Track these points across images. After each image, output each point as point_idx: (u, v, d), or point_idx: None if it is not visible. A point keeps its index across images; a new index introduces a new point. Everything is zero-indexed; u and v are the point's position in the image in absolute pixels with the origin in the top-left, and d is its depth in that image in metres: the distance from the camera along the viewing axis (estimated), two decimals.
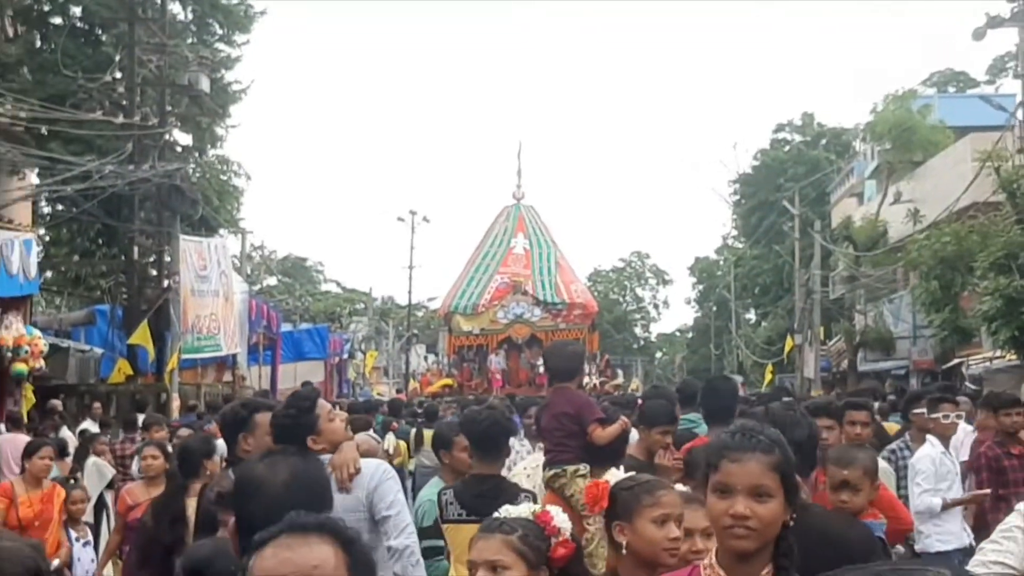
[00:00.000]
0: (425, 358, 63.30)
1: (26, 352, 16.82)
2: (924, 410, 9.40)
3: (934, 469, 8.61)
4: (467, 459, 6.72)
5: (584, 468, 6.38)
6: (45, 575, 3.37)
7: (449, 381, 36.31)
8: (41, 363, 17.52)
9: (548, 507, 3.67)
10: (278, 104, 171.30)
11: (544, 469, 6.67)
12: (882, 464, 7.36)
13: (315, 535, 2.26)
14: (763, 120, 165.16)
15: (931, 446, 8.87)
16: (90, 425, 17.41)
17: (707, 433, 7.72)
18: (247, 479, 3.98)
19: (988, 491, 8.85)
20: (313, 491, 3.86)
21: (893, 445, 10.14)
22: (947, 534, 8.54)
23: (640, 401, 8.35)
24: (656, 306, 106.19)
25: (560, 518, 3.63)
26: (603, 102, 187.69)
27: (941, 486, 8.63)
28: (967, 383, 27.64)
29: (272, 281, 63.50)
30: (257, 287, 47.04)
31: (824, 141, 63.74)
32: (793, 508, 3.09)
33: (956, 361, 28.82)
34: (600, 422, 6.35)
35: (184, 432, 10.98)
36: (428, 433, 13.77)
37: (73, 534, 9.22)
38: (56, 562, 8.39)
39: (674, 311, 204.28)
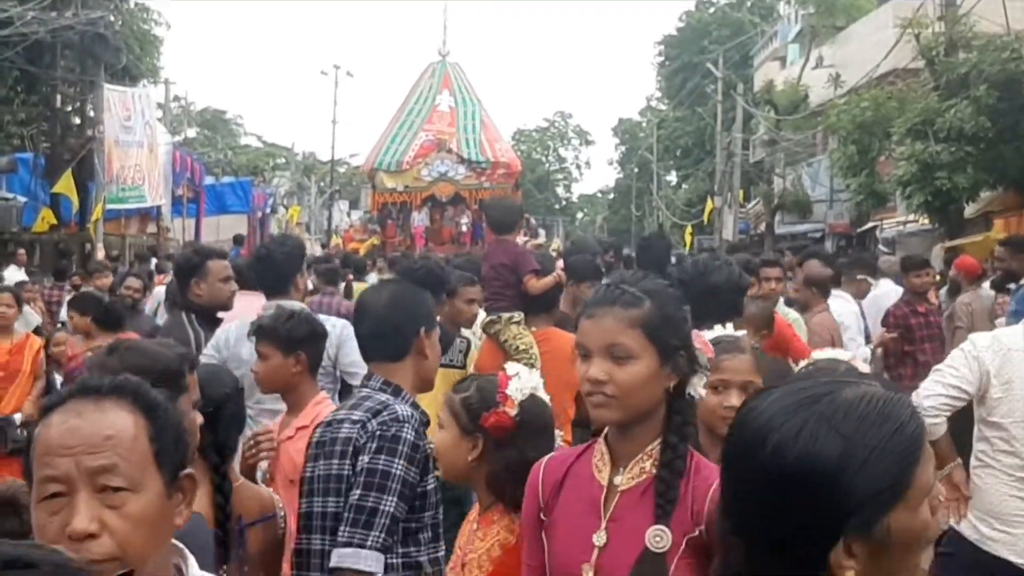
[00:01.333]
0: (348, 214, 63.20)
1: None
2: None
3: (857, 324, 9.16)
4: (468, 309, 6.91)
5: (518, 316, 6.62)
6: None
7: (375, 241, 36.43)
8: None
9: (518, 371, 3.39)
10: None
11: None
12: (793, 314, 7.83)
13: (110, 398, 1.91)
14: None
15: (848, 302, 9.40)
16: (13, 272, 17.38)
17: None
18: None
19: (895, 334, 9.42)
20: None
21: None
22: None
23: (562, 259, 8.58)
24: (579, 167, 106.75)
25: (518, 384, 3.30)
26: None
27: (859, 338, 9.19)
28: (880, 246, 28.47)
29: (192, 133, 62.65)
30: (178, 138, 46.50)
31: (749, 3, 63.74)
32: (679, 371, 2.66)
33: (871, 225, 29.55)
34: (535, 273, 6.61)
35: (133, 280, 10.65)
36: (358, 286, 14.10)
37: (58, 378, 8.56)
38: (18, 416, 8.10)
39: (596, 172, 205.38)
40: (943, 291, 12.80)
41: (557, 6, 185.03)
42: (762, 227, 41.44)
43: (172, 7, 71.10)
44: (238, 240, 24.46)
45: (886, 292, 11.13)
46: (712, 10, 65.37)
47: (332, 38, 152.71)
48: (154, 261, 19.49)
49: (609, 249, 12.88)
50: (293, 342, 4.44)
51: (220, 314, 5.81)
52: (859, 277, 10.13)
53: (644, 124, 79.46)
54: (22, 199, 22.03)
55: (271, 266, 5.72)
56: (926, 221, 22.61)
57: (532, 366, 5.99)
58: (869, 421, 1.56)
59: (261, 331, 4.51)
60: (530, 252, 7.07)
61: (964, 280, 11.87)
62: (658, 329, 2.62)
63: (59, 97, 23.36)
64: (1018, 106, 19.95)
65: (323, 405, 4.47)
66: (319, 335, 4.60)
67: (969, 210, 21.90)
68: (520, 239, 7.81)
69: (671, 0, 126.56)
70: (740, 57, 52.12)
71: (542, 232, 47.60)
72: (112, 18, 26.10)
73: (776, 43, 50.16)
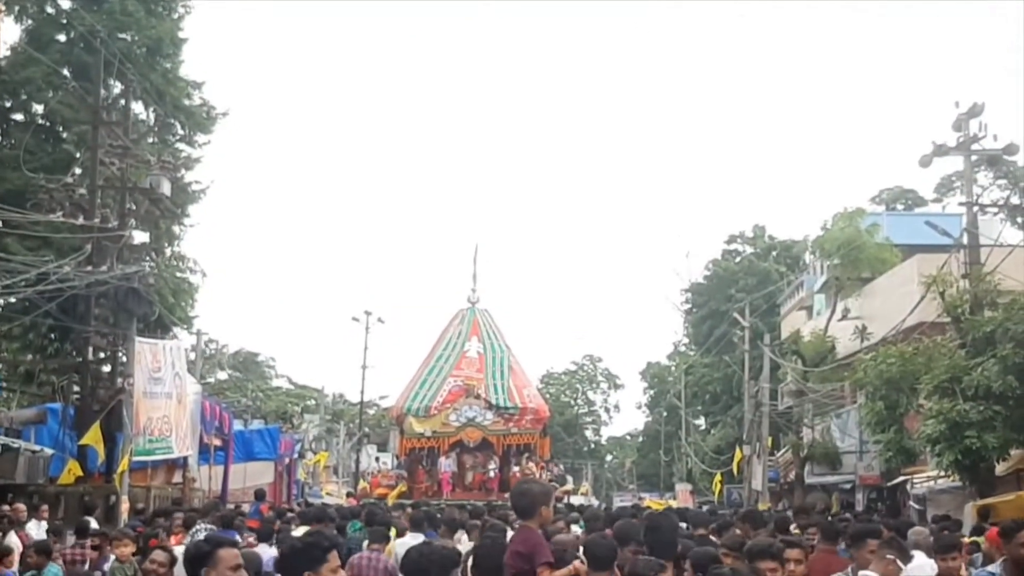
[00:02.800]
0: (376, 458, 62.99)
1: None
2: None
3: None
4: None
5: None
6: None
7: (403, 488, 36.33)
8: None
9: None
10: (238, 200, 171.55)
11: None
12: None
13: None
14: (716, 231, 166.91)
15: None
16: (34, 527, 17.28)
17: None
18: None
19: None
20: None
21: None
22: None
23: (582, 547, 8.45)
24: (607, 410, 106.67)
25: None
26: (560, 207, 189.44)
27: None
28: (911, 502, 27.99)
29: (223, 376, 63.24)
30: (208, 381, 46.87)
31: (775, 253, 64.82)
32: None
33: (901, 479, 29.15)
34: (549, 565, 6.53)
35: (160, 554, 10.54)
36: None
37: None
38: None
39: (625, 415, 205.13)
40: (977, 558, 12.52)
41: (587, 251, 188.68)
42: (791, 476, 40.99)
43: (209, 253, 72.81)
44: (259, 495, 24.34)
45: (920, 565, 10.81)
46: (738, 259, 66.47)
47: (364, 284, 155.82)
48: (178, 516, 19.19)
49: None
50: None
51: None
52: (888, 556, 9.83)
53: (672, 369, 79.74)
54: (49, 451, 22.10)
55: (282, 563, 5.63)
56: (956, 478, 22.30)
57: None
58: None
59: None
60: (546, 544, 6.96)
61: (996, 552, 11.62)
62: None
63: (91, 348, 23.73)
64: None
65: None
66: None
67: (1000, 468, 21.63)
68: (552, 515, 7.71)
69: (699, 249, 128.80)
70: (767, 306, 52.65)
71: (570, 479, 47.28)
72: (148, 268, 26.75)
73: (802, 293, 50.71)
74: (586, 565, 7.15)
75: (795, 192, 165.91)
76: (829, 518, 20.09)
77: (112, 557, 11.97)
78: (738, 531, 11.31)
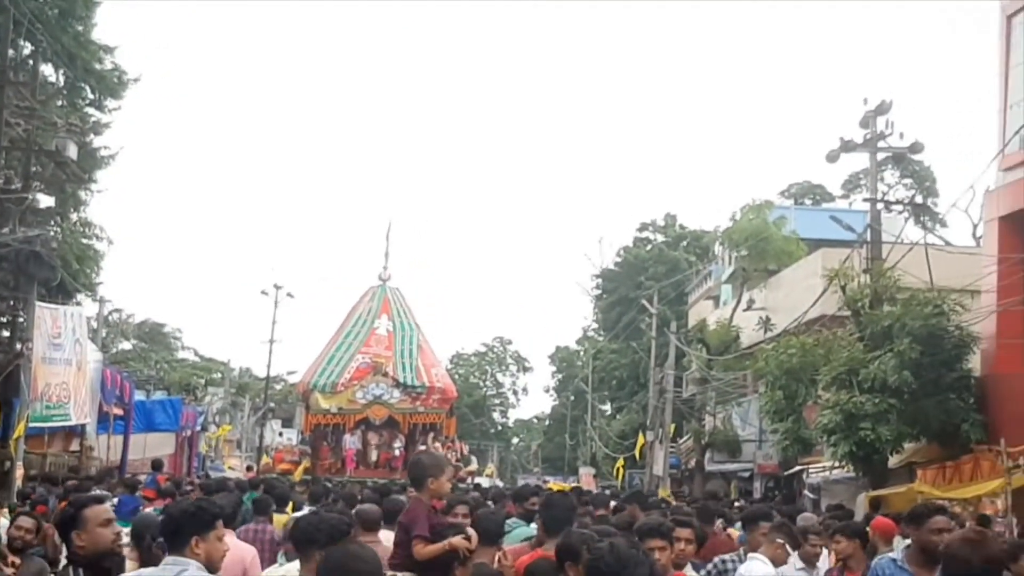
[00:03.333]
0: (280, 433, 62.59)
1: None
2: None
3: None
4: None
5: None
6: None
7: (307, 465, 36.11)
8: None
9: None
10: (148, 168, 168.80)
11: None
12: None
13: None
14: (628, 218, 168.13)
15: (764, 564, 9.28)
16: None
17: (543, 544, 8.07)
18: None
19: None
20: None
21: (726, 555, 10.56)
22: None
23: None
24: (515, 392, 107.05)
25: None
26: (473, 189, 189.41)
27: None
28: (806, 491, 28.53)
29: (128, 346, 62.28)
30: (112, 351, 46.20)
31: (685, 243, 65.47)
32: None
33: (798, 468, 29.66)
34: (422, 539, 6.55)
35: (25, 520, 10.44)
36: (278, 518, 13.84)
37: None
38: None
39: (533, 398, 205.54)
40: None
41: (500, 234, 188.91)
42: (692, 463, 41.50)
43: (117, 222, 71.69)
44: (156, 465, 24.04)
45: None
46: (649, 247, 67.02)
47: (274, 258, 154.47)
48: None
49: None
50: None
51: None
52: (778, 540, 10.03)
53: (581, 353, 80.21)
54: None
55: (169, 526, 5.61)
56: (850, 469, 22.76)
57: None
58: None
59: None
60: (427, 516, 6.97)
61: (880, 541, 11.88)
62: None
63: None
64: (940, 361, 20.46)
65: None
66: None
67: (893, 460, 22.11)
68: (445, 488, 7.68)
69: (611, 235, 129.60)
70: (675, 294, 53.19)
71: (475, 459, 47.36)
72: (52, 233, 26.27)
73: (710, 282, 51.32)
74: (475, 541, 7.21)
75: (707, 183, 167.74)
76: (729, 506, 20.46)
77: None
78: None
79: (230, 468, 42.31)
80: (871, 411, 20.39)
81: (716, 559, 10.24)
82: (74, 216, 34.26)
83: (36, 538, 8.73)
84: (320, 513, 6.96)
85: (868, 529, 13.26)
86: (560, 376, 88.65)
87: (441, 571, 6.42)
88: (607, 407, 69.82)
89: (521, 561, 7.49)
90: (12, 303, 23.46)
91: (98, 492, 12.16)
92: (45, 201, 29.83)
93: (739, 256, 40.53)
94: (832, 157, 25.14)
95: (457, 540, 6.74)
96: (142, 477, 22.00)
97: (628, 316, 56.06)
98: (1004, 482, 15.64)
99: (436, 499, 7.05)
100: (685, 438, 44.08)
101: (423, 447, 35.95)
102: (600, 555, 4.88)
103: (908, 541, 7.62)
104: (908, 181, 52.17)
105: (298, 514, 11.91)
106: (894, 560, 7.38)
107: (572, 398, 78.72)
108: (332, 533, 6.10)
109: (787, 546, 9.68)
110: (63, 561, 6.48)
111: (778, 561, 9.42)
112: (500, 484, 42.91)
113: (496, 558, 7.22)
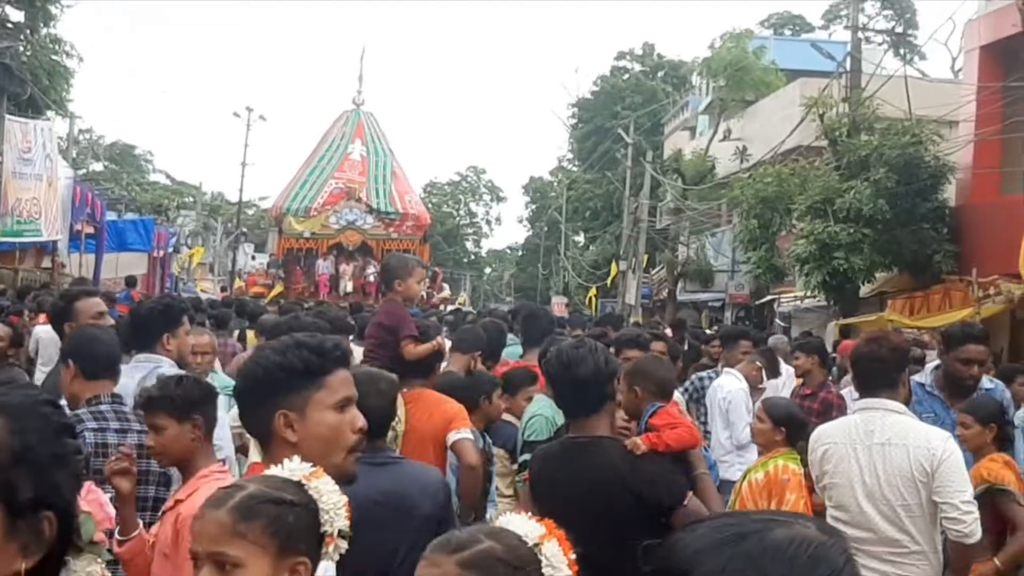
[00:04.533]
0: (253, 257, 62.56)
1: None
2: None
3: (746, 403, 9.16)
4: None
5: None
6: None
7: (280, 289, 36.12)
8: None
9: None
10: None
11: None
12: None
13: None
14: (606, 47, 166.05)
15: (738, 380, 9.42)
16: None
17: (522, 355, 8.13)
18: None
19: None
20: None
21: (702, 372, 10.71)
22: (749, 464, 9.11)
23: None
24: (489, 222, 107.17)
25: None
26: (450, 14, 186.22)
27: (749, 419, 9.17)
28: (777, 320, 28.85)
29: (98, 167, 61.73)
30: (82, 172, 45.75)
31: (663, 73, 64.83)
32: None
33: (769, 298, 29.95)
34: (413, 339, 6.51)
35: None
36: (250, 334, 13.91)
37: None
38: None
39: (506, 228, 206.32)
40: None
41: (476, 61, 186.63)
42: (664, 293, 41.83)
43: (87, 39, 70.19)
44: (130, 281, 24.00)
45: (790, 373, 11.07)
46: (627, 76, 66.32)
47: (247, 80, 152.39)
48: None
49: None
50: (187, 407, 4.26)
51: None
52: (756, 363, 10.12)
53: (555, 184, 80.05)
54: None
55: (138, 324, 5.59)
56: (822, 298, 22.97)
57: (394, 428, 5.96)
58: (799, 565, 1.41)
59: (151, 402, 4.30)
60: (411, 318, 6.93)
61: (848, 363, 12.03)
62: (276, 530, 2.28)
63: None
64: (915, 190, 20.46)
65: (208, 479, 4.21)
66: (212, 395, 4.43)
67: (865, 290, 22.31)
68: (421, 289, 7.65)
69: (588, 64, 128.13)
70: (651, 124, 52.86)
71: (447, 286, 47.59)
72: (21, 48, 25.68)
73: (687, 113, 50.99)
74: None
75: (686, 11, 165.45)
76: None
77: None
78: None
79: (202, 291, 42.32)
80: (845, 240, 20.46)
81: (693, 376, 10.40)
82: (44, 31, 33.43)
83: (9, 347, 8.66)
84: (299, 318, 6.96)
85: (835, 353, 13.50)
86: (534, 207, 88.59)
87: (424, 372, 6.40)
88: (580, 238, 70.00)
89: (498, 370, 7.56)
90: None
91: (87, 287, 12.03)
92: (15, 16, 29.14)
93: (717, 86, 40.18)
94: None
95: (441, 340, 6.75)
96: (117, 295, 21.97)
97: (604, 146, 55.75)
98: (974, 311, 15.76)
99: (407, 301, 6.96)
100: (658, 268, 44.34)
101: None
102: (550, 357, 4.81)
103: (936, 363, 7.10)
104: (888, 13, 51.50)
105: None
106: (922, 385, 6.79)
107: (546, 228, 78.80)
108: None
109: (763, 371, 9.82)
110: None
111: (752, 381, 9.55)
112: (473, 312, 43.18)
113: (469, 365, 7.25)
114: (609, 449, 4.48)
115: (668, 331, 16.73)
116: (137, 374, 5.19)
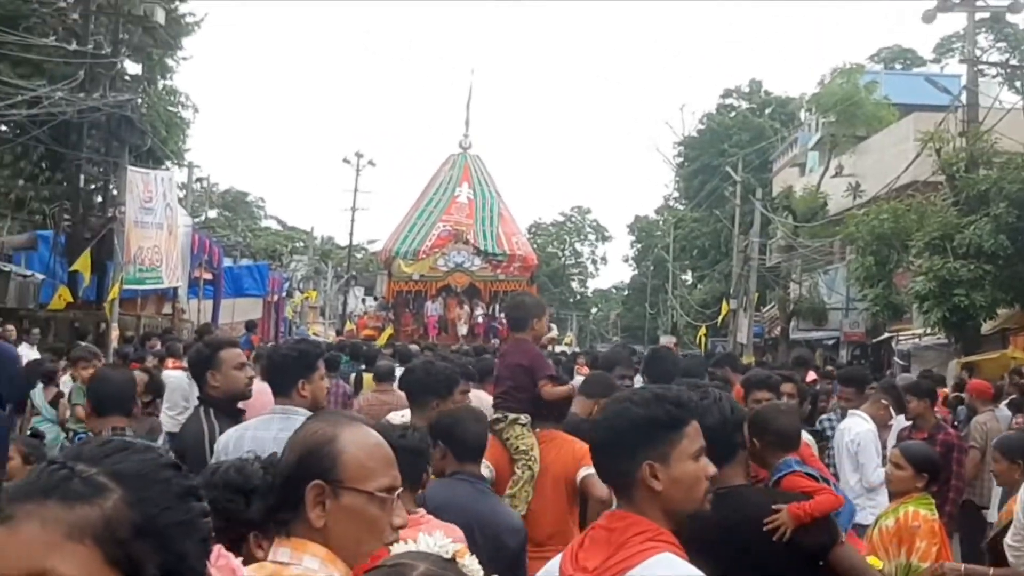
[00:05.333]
0: (363, 300, 63.25)
1: None
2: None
3: (875, 445, 9.00)
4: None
5: (524, 418, 6.42)
6: None
7: (391, 332, 36.48)
8: None
9: None
10: (231, 38, 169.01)
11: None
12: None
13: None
14: (712, 85, 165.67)
15: (865, 422, 9.23)
16: (26, 350, 17.34)
17: None
18: None
19: None
20: None
21: (822, 416, 10.58)
22: (881, 507, 8.92)
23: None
24: (594, 262, 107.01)
25: None
26: (555, 56, 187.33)
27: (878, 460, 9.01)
28: (896, 358, 28.33)
29: (212, 214, 63.01)
30: (199, 219, 46.72)
31: (770, 110, 64.38)
32: None
33: (886, 336, 29.42)
34: (551, 379, 6.50)
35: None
36: (367, 376, 14.08)
37: None
38: None
39: (612, 268, 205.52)
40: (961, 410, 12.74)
41: (580, 103, 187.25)
42: (776, 331, 41.35)
43: (202, 91, 71.97)
44: (250, 326, 24.45)
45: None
46: (733, 114, 65.97)
47: (356, 126, 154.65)
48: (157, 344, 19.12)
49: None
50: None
51: (240, 404, 5.76)
52: (883, 401, 9.96)
53: (661, 223, 79.74)
54: (40, 276, 22.09)
55: (274, 371, 5.64)
56: (942, 336, 22.52)
57: (531, 468, 6.01)
58: None
59: None
60: (546, 358, 6.92)
61: (978, 403, 11.89)
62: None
63: (83, 177, 23.51)
64: None
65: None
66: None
67: (986, 327, 21.85)
68: (546, 330, 7.63)
69: (694, 103, 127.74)
70: (759, 162, 52.45)
71: (554, 327, 47.60)
72: (140, 101, 26.38)
73: (796, 150, 50.49)
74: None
75: (793, 48, 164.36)
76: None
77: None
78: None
79: (315, 334, 42.84)
80: (966, 277, 20.10)
81: (823, 417, 10.27)
82: (161, 84, 34.36)
83: (147, 395, 8.87)
84: (434, 363, 6.97)
85: (964, 394, 13.23)
86: (639, 246, 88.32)
87: (557, 415, 6.40)
88: (688, 277, 69.59)
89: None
90: (103, 169, 23.70)
91: (231, 336, 12.30)
92: (133, 68, 29.97)
93: (827, 122, 39.75)
94: (928, 17, 24.44)
95: (573, 384, 6.75)
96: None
97: (711, 184, 55.42)
98: None
99: (536, 340, 6.95)
100: (769, 306, 43.87)
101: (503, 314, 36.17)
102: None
103: None
104: (1002, 45, 50.58)
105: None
106: None
107: (652, 268, 78.46)
108: (445, 382, 6.12)
109: (891, 408, 9.64)
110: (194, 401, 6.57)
111: (879, 420, 9.37)
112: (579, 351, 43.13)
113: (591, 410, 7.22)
114: (751, 497, 4.41)
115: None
116: (275, 426, 5.11)
